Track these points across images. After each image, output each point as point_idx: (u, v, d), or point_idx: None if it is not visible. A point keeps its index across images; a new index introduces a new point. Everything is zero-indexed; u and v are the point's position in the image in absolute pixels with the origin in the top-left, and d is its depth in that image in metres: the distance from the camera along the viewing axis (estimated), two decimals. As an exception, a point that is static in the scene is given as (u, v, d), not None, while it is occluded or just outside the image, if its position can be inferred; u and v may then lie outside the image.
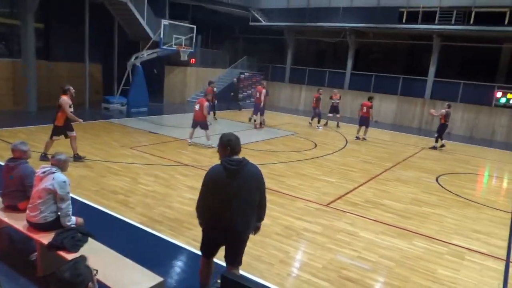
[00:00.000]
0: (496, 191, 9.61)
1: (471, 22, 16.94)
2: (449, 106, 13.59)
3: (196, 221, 3.75)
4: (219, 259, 3.77)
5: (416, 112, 19.51)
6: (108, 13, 16.30)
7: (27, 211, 4.09)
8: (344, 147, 12.71)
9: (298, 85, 23.21)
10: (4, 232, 4.83)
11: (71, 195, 4.17)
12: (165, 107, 19.00)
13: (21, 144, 4.55)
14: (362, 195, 7.71)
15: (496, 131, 17.54)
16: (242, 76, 22.73)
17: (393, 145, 14.04)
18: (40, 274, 3.99)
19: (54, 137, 8.14)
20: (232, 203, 3.39)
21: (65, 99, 7.87)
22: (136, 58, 16.33)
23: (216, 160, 3.54)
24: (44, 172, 4.05)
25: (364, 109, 14.02)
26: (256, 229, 3.78)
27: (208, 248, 3.64)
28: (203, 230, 3.64)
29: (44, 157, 7.91)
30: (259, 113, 15.09)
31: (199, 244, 3.76)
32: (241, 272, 3.98)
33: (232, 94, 20.34)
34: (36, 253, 4.11)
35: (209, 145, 10.60)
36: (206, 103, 10.58)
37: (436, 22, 17.82)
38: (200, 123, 10.65)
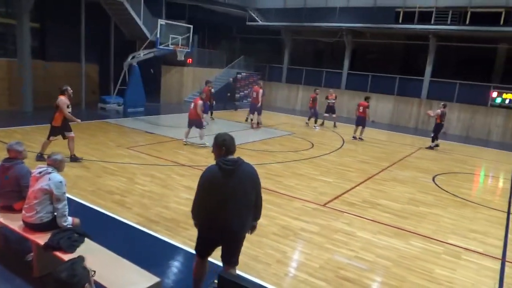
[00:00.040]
0: (492, 190, 9.65)
1: (467, 22, 17.02)
2: (444, 106, 13.64)
3: (192, 222, 3.74)
4: (216, 259, 3.76)
5: (412, 112, 19.57)
6: (105, 13, 16.24)
7: (23, 212, 4.06)
8: (341, 147, 12.73)
9: (295, 85, 23.23)
10: (-1, 232, 4.80)
11: (67, 195, 4.15)
12: (162, 107, 18.97)
13: (17, 144, 4.53)
14: (359, 195, 7.72)
15: (492, 131, 17.63)
16: (239, 76, 22.71)
17: (389, 145, 14.07)
18: (36, 274, 3.97)
19: (52, 138, 8.10)
20: (228, 203, 3.39)
21: (62, 99, 7.84)
22: (133, 58, 16.28)
23: (212, 160, 3.53)
24: (40, 173, 4.03)
25: (361, 109, 14.05)
26: (253, 228, 3.79)
27: (204, 248, 3.63)
28: (199, 230, 3.63)
29: (40, 157, 7.88)
30: (256, 112, 15.09)
31: (195, 244, 3.75)
32: (238, 272, 3.97)
33: (229, 94, 20.34)
34: (32, 254, 4.09)
35: (202, 144, 10.60)
36: (199, 102, 10.57)
37: (432, 22, 17.89)
38: (194, 121, 10.64)
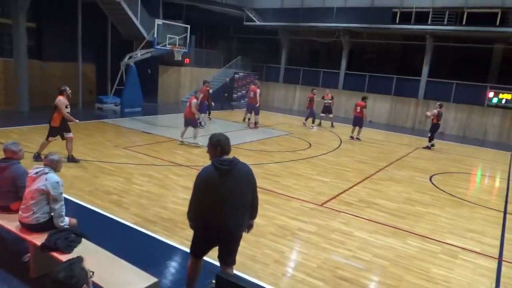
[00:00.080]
0: (489, 190, 9.69)
1: (464, 22, 17.08)
2: (440, 106, 13.70)
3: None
4: (213, 259, 3.76)
5: (409, 112, 19.63)
6: (101, 12, 16.19)
7: (20, 212, 4.05)
8: (339, 147, 12.75)
9: (292, 85, 23.25)
10: (-4, 233, 4.78)
11: (64, 195, 4.14)
12: (159, 107, 18.94)
13: (13, 145, 4.51)
14: (357, 195, 7.74)
15: (488, 131, 17.70)
16: (236, 76, 22.71)
17: (387, 145, 14.10)
18: (33, 275, 3.95)
19: (50, 138, 8.08)
20: (225, 203, 3.39)
21: (61, 99, 7.82)
22: (130, 57, 16.25)
23: (209, 161, 3.53)
24: (37, 173, 4.01)
25: (358, 109, 14.09)
26: (249, 227, 3.80)
27: (200, 248, 3.62)
28: (195, 231, 3.62)
29: (37, 157, 7.85)
30: (253, 112, 15.09)
31: (191, 244, 3.73)
32: (236, 272, 3.97)
33: (226, 95, 20.32)
34: (29, 254, 4.07)
35: (195, 144, 10.60)
36: (194, 100, 10.58)
37: (429, 22, 17.95)
38: (188, 120, 10.64)
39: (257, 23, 22.59)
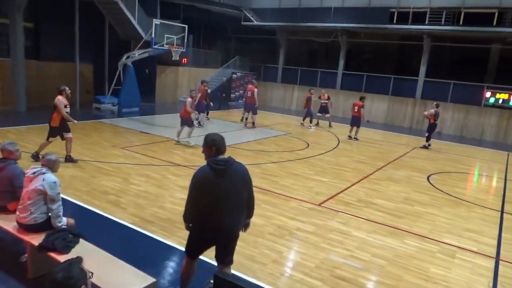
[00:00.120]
0: (486, 190, 9.72)
1: (461, 22, 17.13)
2: (437, 106, 13.75)
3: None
4: (211, 258, 3.75)
5: (407, 112, 19.66)
6: (99, 12, 16.15)
7: (17, 212, 4.03)
8: (336, 146, 12.76)
9: (290, 85, 23.26)
10: (-7, 233, 4.76)
11: (62, 196, 4.12)
12: (157, 107, 18.91)
13: (9, 145, 4.49)
14: (355, 195, 7.74)
15: (486, 130, 17.76)
16: (234, 76, 22.70)
17: (384, 144, 14.13)
18: (31, 276, 3.94)
19: (51, 139, 8.06)
20: (221, 202, 3.39)
21: (60, 99, 7.81)
22: (128, 57, 16.21)
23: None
24: (34, 173, 3.99)
25: (356, 108, 14.12)
26: (246, 226, 3.81)
27: (195, 248, 3.61)
28: (191, 231, 3.61)
29: (36, 157, 7.83)
30: (251, 112, 15.08)
31: (186, 244, 3.71)
32: (234, 272, 3.97)
33: (224, 95, 20.30)
34: (26, 255, 4.06)
35: (186, 142, 10.60)
36: (188, 99, 10.58)
37: (426, 22, 17.99)
38: (183, 119, 10.64)
39: (255, 23, 22.58)
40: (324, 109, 16.81)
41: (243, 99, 17.41)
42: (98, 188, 6.82)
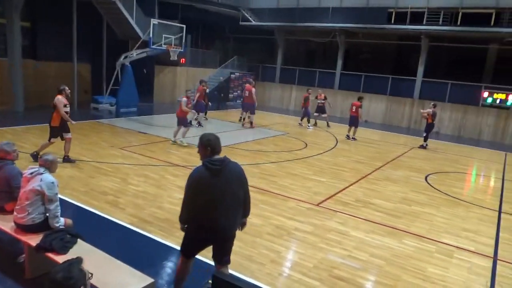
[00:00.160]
0: (484, 190, 9.75)
1: (458, 23, 17.18)
2: (434, 106, 13.79)
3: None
4: (209, 259, 3.75)
5: (405, 112, 19.70)
6: (97, 12, 16.12)
7: (15, 213, 4.02)
8: (335, 147, 12.77)
9: (288, 85, 23.27)
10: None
11: (59, 196, 4.11)
12: (155, 107, 18.89)
13: (6, 145, 4.46)
14: (353, 195, 7.75)
15: (483, 130, 17.81)
16: (232, 76, 22.70)
17: (382, 144, 14.15)
18: (28, 276, 3.92)
19: (52, 139, 8.04)
20: (217, 202, 3.39)
21: (59, 98, 7.80)
22: (125, 57, 16.18)
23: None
24: (31, 173, 3.98)
25: (354, 108, 14.14)
26: (242, 225, 3.81)
27: (191, 248, 3.61)
28: (186, 231, 3.60)
29: (35, 156, 7.81)
30: (249, 111, 15.08)
31: (181, 244, 3.70)
32: (232, 272, 3.97)
33: (222, 95, 20.28)
34: (24, 255, 4.04)
35: (179, 140, 10.59)
36: (184, 99, 10.57)
37: (424, 22, 18.03)
38: (179, 119, 10.63)
39: (253, 23, 22.58)
40: (320, 109, 16.83)
41: (241, 99, 17.41)
42: (96, 188, 6.81)
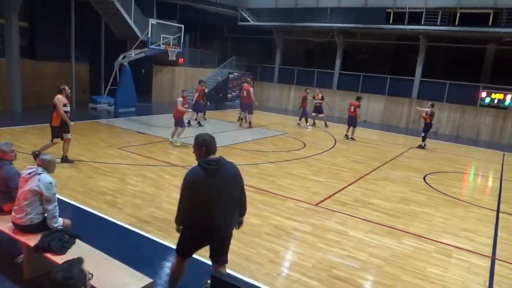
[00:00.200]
0: (482, 189, 9.76)
1: (457, 23, 17.21)
2: (432, 106, 13.81)
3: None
4: (207, 259, 3.74)
5: (403, 112, 19.73)
6: (95, 12, 16.09)
7: (13, 213, 4.00)
8: (333, 146, 12.78)
9: (287, 85, 23.27)
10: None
11: (58, 196, 4.10)
12: (153, 107, 18.86)
13: (4, 145, 4.45)
14: (352, 195, 7.75)
15: (481, 130, 17.84)
16: (231, 76, 22.70)
17: (381, 144, 14.16)
18: (26, 277, 3.91)
19: (55, 140, 8.01)
20: (213, 202, 3.39)
21: (59, 98, 7.79)
22: (124, 57, 16.15)
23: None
24: (29, 173, 3.97)
25: (352, 108, 14.15)
26: (239, 224, 3.81)
27: (187, 248, 3.60)
28: (182, 231, 3.60)
29: (36, 155, 7.78)
30: (247, 111, 15.08)
31: (177, 243, 3.68)
32: (231, 272, 3.97)
33: (221, 95, 20.27)
34: (22, 256, 4.03)
35: (173, 140, 10.61)
36: (179, 99, 10.56)
37: (422, 22, 18.06)
38: (175, 119, 10.63)
39: (252, 23, 22.58)
40: (318, 109, 16.85)
41: (240, 99, 17.40)
42: (94, 188, 6.80)
